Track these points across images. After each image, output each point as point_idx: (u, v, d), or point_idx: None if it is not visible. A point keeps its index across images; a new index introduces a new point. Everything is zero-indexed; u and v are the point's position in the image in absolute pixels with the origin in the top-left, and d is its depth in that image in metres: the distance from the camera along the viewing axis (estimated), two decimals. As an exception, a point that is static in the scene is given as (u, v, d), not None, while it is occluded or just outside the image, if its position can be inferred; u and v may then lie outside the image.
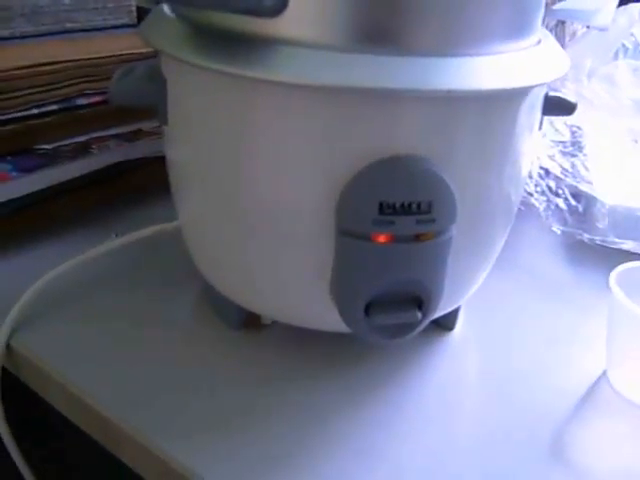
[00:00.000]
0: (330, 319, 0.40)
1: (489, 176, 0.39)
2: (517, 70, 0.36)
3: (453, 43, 0.34)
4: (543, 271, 0.58)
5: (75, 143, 0.59)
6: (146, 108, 0.43)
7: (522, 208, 0.62)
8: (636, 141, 0.78)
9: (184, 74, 0.39)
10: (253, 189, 0.39)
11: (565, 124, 0.73)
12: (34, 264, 0.51)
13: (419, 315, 0.38)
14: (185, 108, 0.40)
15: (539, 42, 0.42)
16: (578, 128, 0.72)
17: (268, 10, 0.34)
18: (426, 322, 0.40)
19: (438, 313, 0.44)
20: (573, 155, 0.67)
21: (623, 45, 0.93)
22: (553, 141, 0.68)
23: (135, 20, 0.67)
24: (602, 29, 0.70)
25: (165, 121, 0.43)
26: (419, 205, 0.35)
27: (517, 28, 0.38)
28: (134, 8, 0.66)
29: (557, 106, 0.47)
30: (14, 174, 0.53)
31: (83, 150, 0.58)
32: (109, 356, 0.44)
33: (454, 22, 0.34)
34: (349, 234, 0.36)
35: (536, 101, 0.41)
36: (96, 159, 0.58)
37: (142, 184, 0.60)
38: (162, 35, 0.40)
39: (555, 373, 0.47)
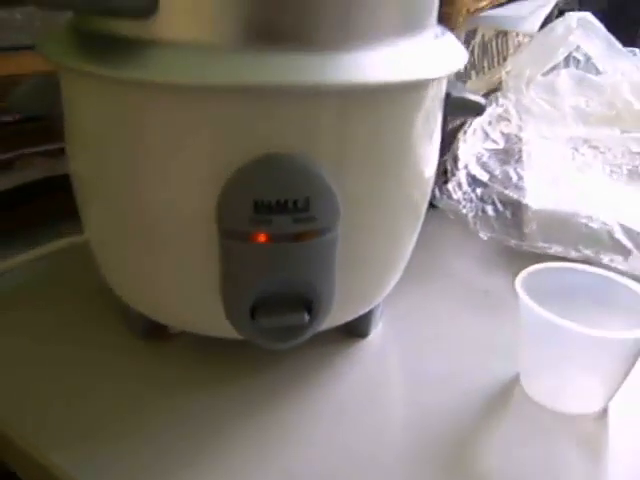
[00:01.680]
0: (225, 325, 0.39)
1: (377, 176, 0.39)
2: (389, 66, 0.35)
3: (323, 38, 0.34)
4: (469, 278, 0.58)
5: (-2, 160, 0.58)
6: (47, 116, 0.42)
7: (451, 217, 0.62)
8: (576, 149, 0.78)
9: (71, 80, 0.39)
10: (139, 196, 0.38)
11: (501, 132, 0.73)
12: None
13: (306, 318, 0.38)
14: (74, 114, 0.40)
15: (436, 37, 0.41)
16: (516, 136, 0.72)
17: (137, 11, 0.34)
18: (317, 325, 0.39)
19: (342, 319, 0.44)
20: (505, 162, 0.67)
21: (574, 58, 0.93)
22: (486, 149, 0.68)
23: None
24: (530, 34, 0.71)
25: (62, 129, 0.42)
26: (295, 203, 0.35)
27: (402, 23, 0.37)
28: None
29: (463, 107, 0.46)
30: None
31: (6, 166, 0.58)
32: (11, 370, 0.43)
33: (323, 17, 0.34)
34: (229, 235, 0.36)
35: (428, 100, 0.41)
36: (19, 175, 0.58)
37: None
38: (51, 43, 0.40)
39: (469, 377, 0.46)
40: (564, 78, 0.85)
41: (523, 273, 0.43)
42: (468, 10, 0.61)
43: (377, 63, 0.35)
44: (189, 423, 0.40)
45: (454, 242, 0.62)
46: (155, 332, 0.47)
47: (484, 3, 0.64)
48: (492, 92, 0.81)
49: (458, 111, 0.47)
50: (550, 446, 0.40)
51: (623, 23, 1.83)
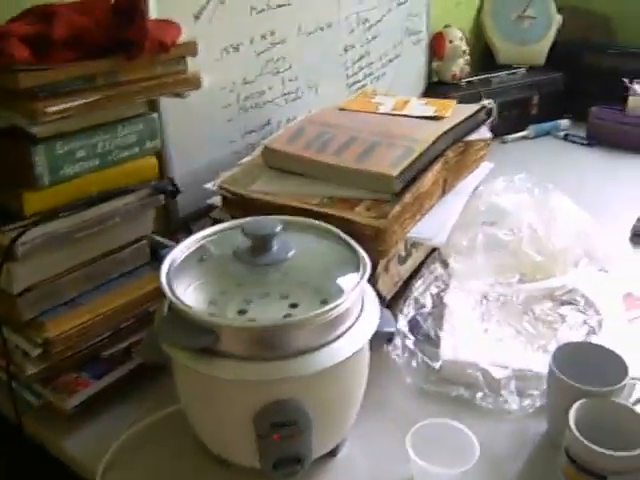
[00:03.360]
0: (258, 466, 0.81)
1: (336, 402, 0.80)
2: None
3: (293, 350, 0.75)
4: (402, 408, 0.98)
5: (121, 349, 1.00)
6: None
7: (391, 365, 1.02)
8: (484, 297, 1.17)
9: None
10: (215, 415, 0.80)
11: (431, 295, 1.13)
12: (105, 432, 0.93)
13: (299, 468, 0.79)
14: (175, 372, 0.82)
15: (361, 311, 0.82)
16: (440, 297, 1.12)
17: (205, 345, 0.75)
18: (305, 469, 0.81)
19: (320, 454, 0.85)
20: (431, 321, 1.07)
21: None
22: (417, 314, 1.08)
23: (149, 257, 1.07)
24: (438, 246, 1.11)
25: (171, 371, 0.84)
26: (289, 422, 0.76)
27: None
28: (148, 250, 1.07)
29: (382, 337, 0.87)
30: (91, 380, 0.95)
31: (127, 353, 1.00)
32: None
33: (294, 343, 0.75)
34: (260, 436, 0.77)
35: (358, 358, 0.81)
36: (134, 361, 1.00)
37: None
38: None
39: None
40: (480, 239, 1.24)
41: (412, 430, 0.83)
42: (397, 242, 1.02)
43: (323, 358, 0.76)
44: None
45: (394, 383, 1.02)
46: (222, 461, 0.88)
47: (408, 228, 1.05)
48: (428, 257, 1.21)
49: (378, 341, 0.87)
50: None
51: (578, 99, 2.19)
